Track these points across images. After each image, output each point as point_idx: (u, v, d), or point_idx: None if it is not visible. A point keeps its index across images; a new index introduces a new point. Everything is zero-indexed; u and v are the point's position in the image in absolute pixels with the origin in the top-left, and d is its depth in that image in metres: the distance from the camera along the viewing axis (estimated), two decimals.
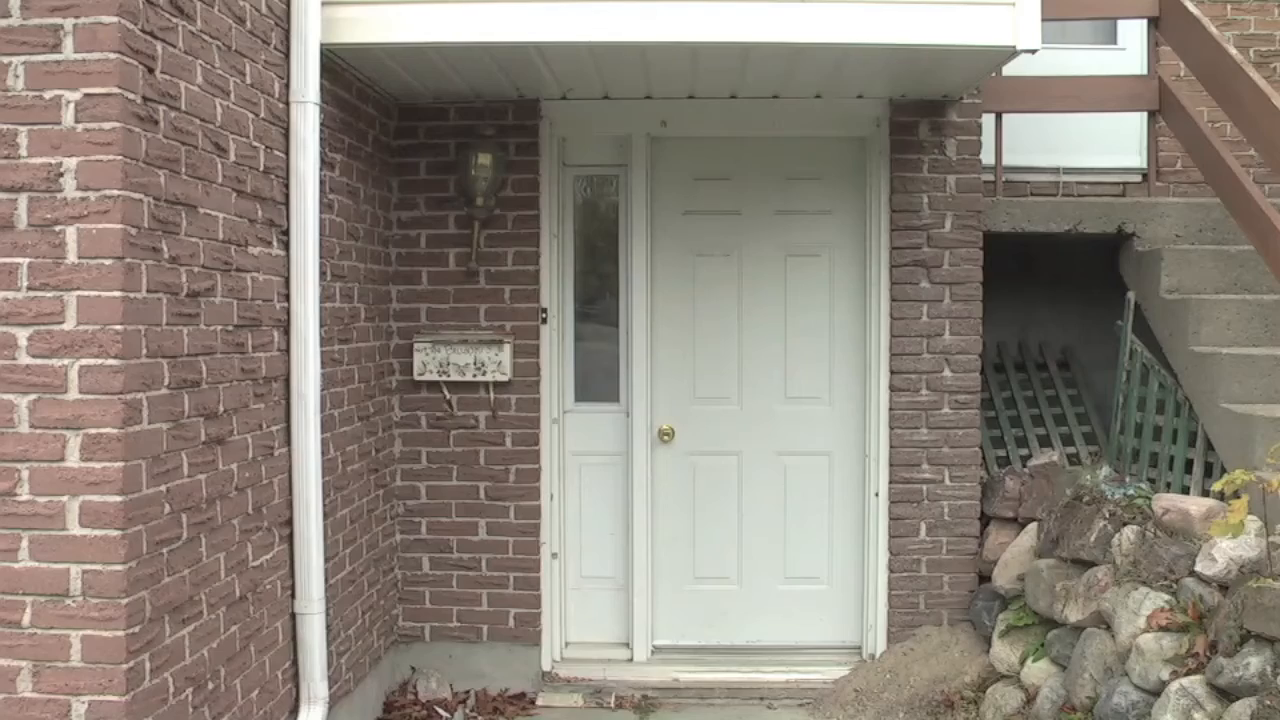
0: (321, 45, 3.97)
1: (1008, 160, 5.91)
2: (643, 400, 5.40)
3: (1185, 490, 5.00)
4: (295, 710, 4.00)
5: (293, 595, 3.97)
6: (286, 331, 3.90)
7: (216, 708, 3.42)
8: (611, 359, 5.45)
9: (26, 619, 2.90)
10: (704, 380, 5.51)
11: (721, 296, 5.49)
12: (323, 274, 4.09)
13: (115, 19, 2.83)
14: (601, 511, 5.47)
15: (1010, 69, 5.08)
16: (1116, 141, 6.35)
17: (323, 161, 4.08)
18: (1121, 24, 6.41)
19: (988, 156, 5.55)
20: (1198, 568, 3.86)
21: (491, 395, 5.23)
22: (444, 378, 5.21)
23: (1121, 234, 5.84)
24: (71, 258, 2.86)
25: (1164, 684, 3.67)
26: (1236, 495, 3.67)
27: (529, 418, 5.25)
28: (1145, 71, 6.12)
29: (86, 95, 2.84)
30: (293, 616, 3.98)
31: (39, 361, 2.88)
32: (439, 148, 5.21)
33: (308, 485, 3.94)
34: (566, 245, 5.40)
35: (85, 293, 2.86)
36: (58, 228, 2.86)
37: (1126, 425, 5.39)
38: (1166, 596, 3.92)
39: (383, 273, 5.08)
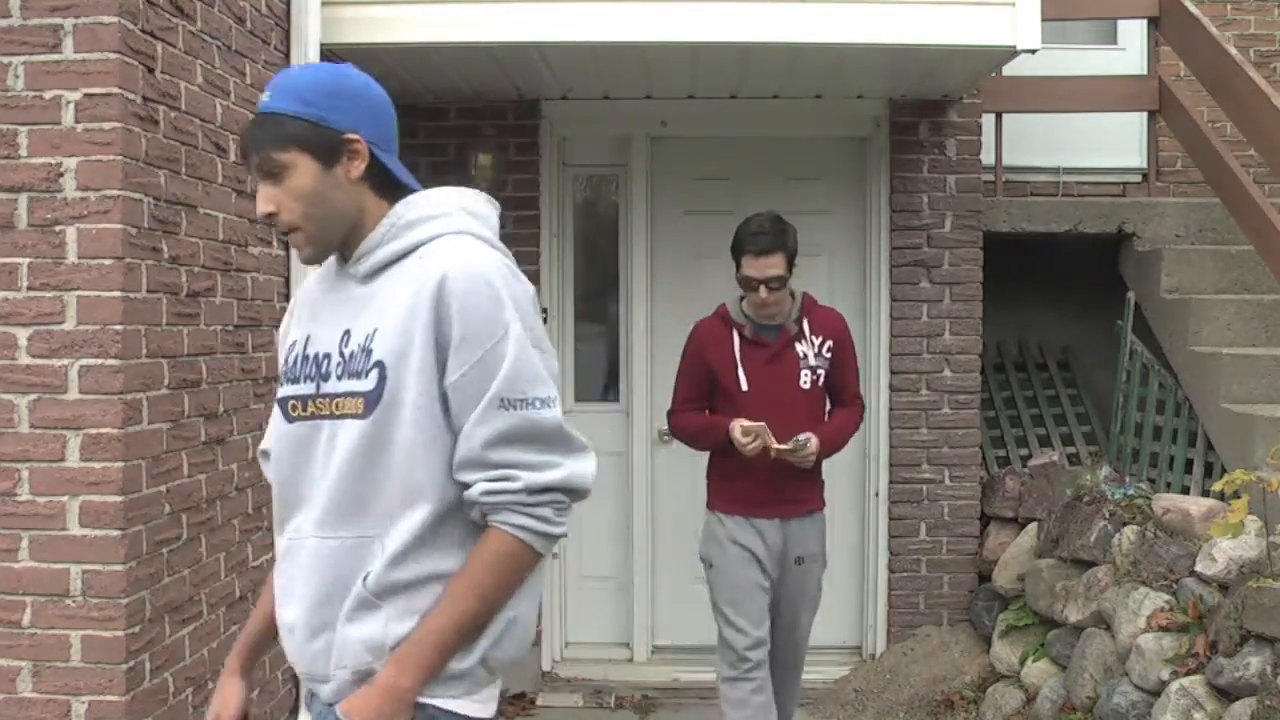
0: (322, 45, 3.96)
1: (1008, 160, 5.90)
2: (643, 400, 5.40)
3: (1185, 490, 4.99)
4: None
5: None
6: None
7: None
8: (611, 359, 5.45)
9: (26, 619, 2.90)
10: None
11: (723, 295, 5.46)
12: None
13: (115, 19, 2.83)
14: (601, 511, 5.45)
15: (1010, 69, 5.07)
16: (1116, 141, 6.33)
17: None
18: (1121, 24, 6.39)
19: (988, 156, 5.54)
20: (1198, 568, 3.86)
21: None
22: None
23: (1121, 234, 5.83)
24: (71, 258, 2.86)
25: (1164, 684, 3.67)
26: (1236, 495, 3.67)
27: None
28: (1145, 71, 6.11)
29: (86, 95, 2.84)
30: None
31: (39, 361, 2.87)
32: (439, 148, 5.20)
33: None
34: (566, 245, 5.39)
35: (85, 293, 2.86)
36: (58, 228, 2.86)
37: (1126, 425, 5.39)
38: (1166, 596, 3.92)
39: None
